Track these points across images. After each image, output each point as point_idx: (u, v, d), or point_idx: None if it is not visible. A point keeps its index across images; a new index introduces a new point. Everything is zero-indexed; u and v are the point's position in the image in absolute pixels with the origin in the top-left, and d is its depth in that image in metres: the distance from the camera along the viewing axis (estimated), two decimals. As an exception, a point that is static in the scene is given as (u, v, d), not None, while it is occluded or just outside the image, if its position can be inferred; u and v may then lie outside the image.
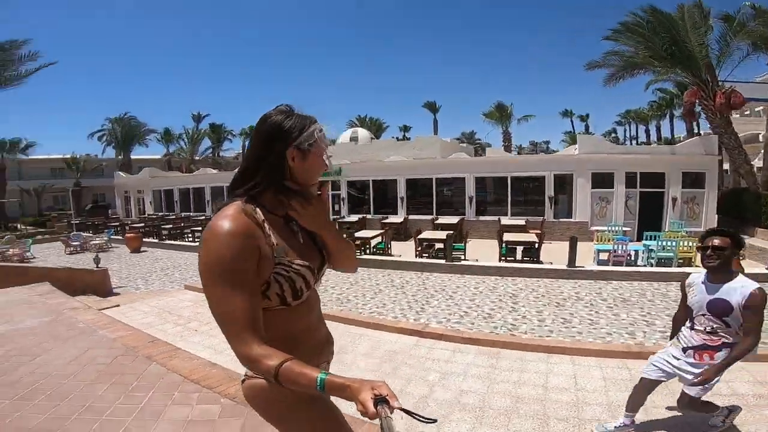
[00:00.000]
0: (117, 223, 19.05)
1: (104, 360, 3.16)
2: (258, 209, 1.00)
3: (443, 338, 4.52)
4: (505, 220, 13.30)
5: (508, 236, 9.82)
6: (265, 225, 0.99)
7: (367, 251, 10.65)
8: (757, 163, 14.87)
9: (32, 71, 17.50)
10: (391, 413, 0.81)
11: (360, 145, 20.45)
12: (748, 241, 10.02)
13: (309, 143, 1.02)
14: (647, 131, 37.83)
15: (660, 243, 8.49)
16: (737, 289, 2.03)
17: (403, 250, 11.53)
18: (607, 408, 3.07)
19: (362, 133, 23.46)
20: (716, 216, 11.53)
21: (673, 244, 8.23)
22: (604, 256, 8.90)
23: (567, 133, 42.73)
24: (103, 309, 5.85)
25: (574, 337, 4.85)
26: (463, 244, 9.55)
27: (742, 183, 13.50)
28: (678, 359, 2.24)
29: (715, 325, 2.10)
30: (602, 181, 12.61)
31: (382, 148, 19.50)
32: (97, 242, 14.13)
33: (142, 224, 17.77)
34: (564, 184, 13.37)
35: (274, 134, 1.01)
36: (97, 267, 7.86)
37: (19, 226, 21.95)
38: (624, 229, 10.93)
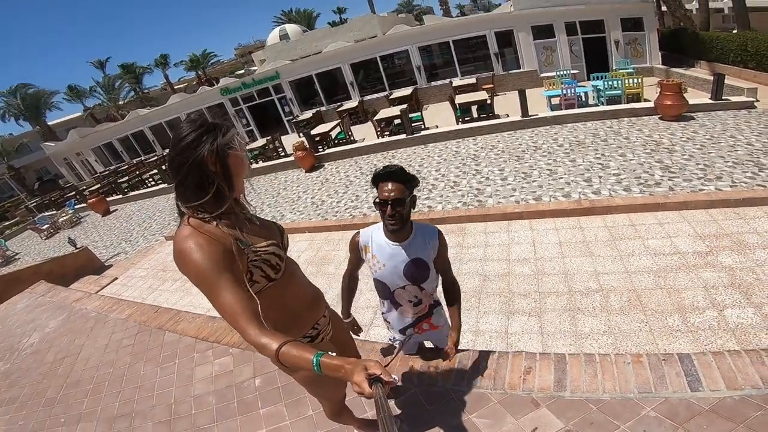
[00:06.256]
0: (73, 192, 18.01)
1: (129, 341, 3.53)
2: (207, 219, 1.06)
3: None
4: (457, 81, 13.54)
5: (460, 98, 9.71)
6: (221, 228, 1.06)
7: (329, 144, 10.52)
8: (694, 4, 15.72)
9: None
10: (385, 393, 0.82)
11: (293, 41, 18.61)
12: (692, 73, 10.45)
13: (228, 147, 1.04)
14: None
15: (606, 83, 8.66)
16: (424, 241, 1.58)
17: (365, 133, 11.39)
18: (564, 278, 3.27)
19: (291, 28, 21.58)
20: (660, 53, 12.00)
21: (619, 82, 8.45)
22: (556, 101, 9.02)
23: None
24: (104, 288, 6.14)
25: (535, 192, 4.97)
26: (420, 114, 9.39)
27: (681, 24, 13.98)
28: (408, 336, 1.82)
29: (417, 295, 1.66)
30: (543, 32, 12.56)
31: (318, 38, 17.77)
32: (65, 218, 13.53)
33: (98, 185, 16.85)
34: (507, 38, 13.24)
35: (191, 146, 1.01)
36: (77, 248, 7.73)
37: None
38: (573, 72, 11.25)
